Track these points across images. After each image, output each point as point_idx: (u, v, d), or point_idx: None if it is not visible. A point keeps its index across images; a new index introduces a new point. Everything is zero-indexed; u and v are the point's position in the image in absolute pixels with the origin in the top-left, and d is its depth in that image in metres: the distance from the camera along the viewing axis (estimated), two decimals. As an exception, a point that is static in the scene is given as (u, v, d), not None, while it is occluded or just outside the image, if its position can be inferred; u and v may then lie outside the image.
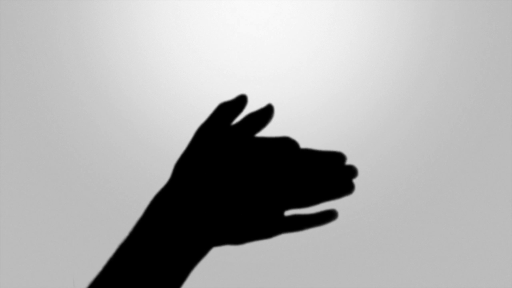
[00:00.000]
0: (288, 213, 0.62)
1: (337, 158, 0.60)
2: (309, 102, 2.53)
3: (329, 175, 0.59)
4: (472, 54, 2.55)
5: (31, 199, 2.36)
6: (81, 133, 2.46)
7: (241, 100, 0.61)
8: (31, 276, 2.23)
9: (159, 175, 2.43)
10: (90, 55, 2.48)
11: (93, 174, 2.42)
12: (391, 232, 2.34)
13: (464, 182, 2.41)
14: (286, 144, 0.59)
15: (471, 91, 2.53)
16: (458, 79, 2.53)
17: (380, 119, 2.49)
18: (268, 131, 2.50)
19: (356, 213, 2.40)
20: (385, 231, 2.34)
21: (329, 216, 0.59)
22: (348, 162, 2.27)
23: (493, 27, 2.55)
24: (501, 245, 2.30)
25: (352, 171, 0.61)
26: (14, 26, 2.54)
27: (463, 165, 2.44)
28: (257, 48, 2.50)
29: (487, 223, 2.35)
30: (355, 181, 1.71)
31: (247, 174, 0.57)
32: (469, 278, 2.22)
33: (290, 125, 2.49)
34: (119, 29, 2.49)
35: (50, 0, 2.56)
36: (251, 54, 2.50)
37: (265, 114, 0.60)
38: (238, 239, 0.57)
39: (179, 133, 2.52)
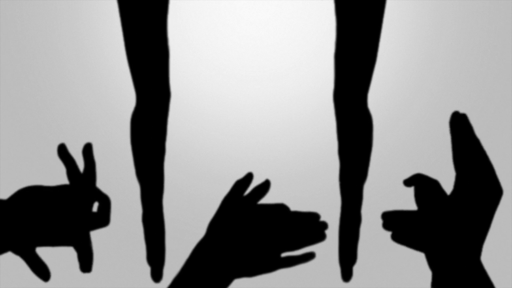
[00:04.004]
0: (283, 254, 0.85)
1: (314, 216, 0.89)
2: (308, 102, 2.53)
3: (309, 228, 0.88)
4: (472, 54, 2.55)
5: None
6: (81, 133, 2.47)
7: (249, 177, 0.93)
8: (31, 276, 2.23)
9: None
10: (90, 55, 2.49)
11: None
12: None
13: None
14: (280, 208, 0.88)
15: (471, 91, 2.53)
16: (458, 79, 2.53)
17: (380, 118, 2.50)
18: (270, 133, 2.49)
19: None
20: (384, 231, 2.34)
21: (310, 256, 0.88)
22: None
23: (493, 27, 2.55)
24: (501, 245, 2.30)
25: (323, 225, 0.89)
26: (14, 26, 2.54)
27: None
28: (257, 48, 2.51)
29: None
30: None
31: (255, 229, 0.86)
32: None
33: (290, 124, 2.50)
34: (119, 29, 2.49)
35: (50, 0, 2.56)
36: (251, 54, 2.51)
37: (264, 187, 0.92)
38: (251, 273, 0.85)
39: (180, 132, 2.53)
